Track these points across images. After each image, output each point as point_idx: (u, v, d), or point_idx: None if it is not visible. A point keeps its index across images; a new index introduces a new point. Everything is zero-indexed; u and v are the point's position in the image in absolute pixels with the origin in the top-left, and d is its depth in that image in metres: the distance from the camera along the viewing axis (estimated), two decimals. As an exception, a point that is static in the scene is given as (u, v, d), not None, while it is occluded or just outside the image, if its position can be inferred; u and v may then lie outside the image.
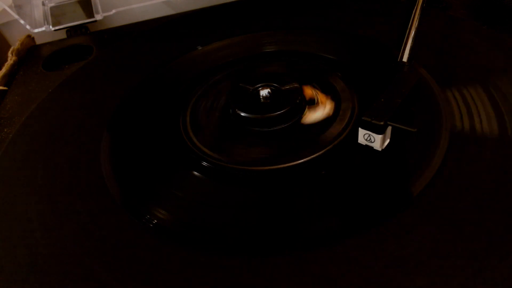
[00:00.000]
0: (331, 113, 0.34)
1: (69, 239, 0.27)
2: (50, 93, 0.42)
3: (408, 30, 0.32)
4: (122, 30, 0.53)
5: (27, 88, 0.45)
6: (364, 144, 0.29)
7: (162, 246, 0.26)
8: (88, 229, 0.27)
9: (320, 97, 0.35)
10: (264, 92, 0.34)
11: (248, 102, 0.34)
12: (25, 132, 0.38)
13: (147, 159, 0.33)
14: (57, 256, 0.26)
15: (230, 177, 0.30)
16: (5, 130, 0.40)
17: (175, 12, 0.56)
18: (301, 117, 0.34)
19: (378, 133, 0.28)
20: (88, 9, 0.54)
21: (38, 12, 0.54)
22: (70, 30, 0.55)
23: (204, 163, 0.31)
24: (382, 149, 0.29)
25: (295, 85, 0.34)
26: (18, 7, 0.53)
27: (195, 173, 0.31)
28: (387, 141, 0.29)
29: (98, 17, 0.54)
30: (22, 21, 0.52)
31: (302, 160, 0.30)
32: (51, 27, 0.53)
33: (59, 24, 0.53)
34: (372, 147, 0.29)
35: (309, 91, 0.35)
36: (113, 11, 0.55)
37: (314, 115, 0.34)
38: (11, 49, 0.50)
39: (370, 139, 0.29)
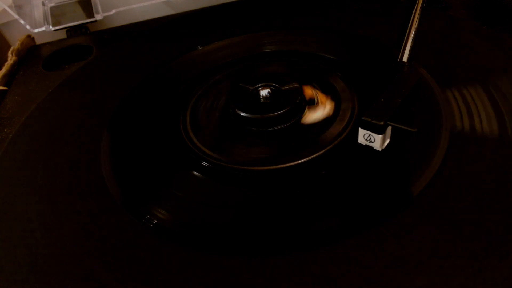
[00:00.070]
0: (331, 113, 0.34)
1: (69, 239, 0.27)
2: (50, 93, 0.42)
3: (408, 30, 0.32)
4: (122, 30, 0.53)
5: (27, 88, 0.45)
6: (364, 144, 0.29)
7: (162, 246, 0.26)
8: (88, 229, 0.27)
9: (320, 97, 0.35)
10: (264, 92, 0.34)
11: (248, 102, 0.34)
12: (25, 132, 0.38)
13: (147, 159, 0.33)
14: (57, 256, 0.26)
15: (230, 177, 0.30)
16: (5, 130, 0.40)
17: (175, 12, 0.56)
18: (301, 117, 0.33)
19: (378, 133, 0.28)
20: (88, 9, 0.54)
21: (38, 12, 0.54)
22: (70, 30, 0.55)
23: (204, 163, 0.31)
24: (382, 149, 0.29)
25: (295, 85, 0.34)
26: (18, 7, 0.53)
27: (195, 173, 0.31)
28: (387, 141, 0.29)
29: (98, 17, 0.54)
30: (22, 21, 0.52)
31: (302, 160, 0.30)
32: (51, 27, 0.53)
33: (59, 24, 0.53)
34: (372, 147, 0.29)
35: (309, 91, 0.35)
36: (113, 11, 0.55)
37: (314, 115, 0.34)
38: (11, 49, 0.50)
39: (370, 139, 0.29)
